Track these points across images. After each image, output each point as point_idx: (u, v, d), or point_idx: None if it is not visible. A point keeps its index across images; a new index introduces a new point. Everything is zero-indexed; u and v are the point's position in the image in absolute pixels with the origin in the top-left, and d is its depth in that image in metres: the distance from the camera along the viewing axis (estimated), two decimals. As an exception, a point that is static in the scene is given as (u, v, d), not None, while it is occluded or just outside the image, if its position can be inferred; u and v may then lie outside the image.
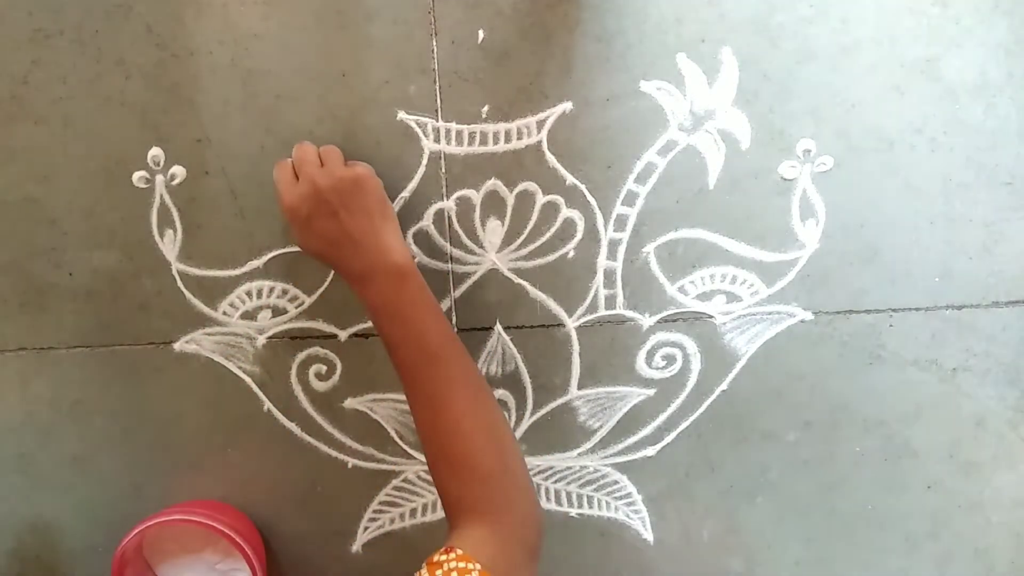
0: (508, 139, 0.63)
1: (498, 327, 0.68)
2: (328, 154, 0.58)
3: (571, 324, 0.68)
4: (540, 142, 0.63)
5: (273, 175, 0.58)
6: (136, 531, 0.65)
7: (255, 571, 0.66)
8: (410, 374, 0.54)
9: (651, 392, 0.69)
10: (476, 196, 0.65)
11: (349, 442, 0.71)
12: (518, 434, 0.70)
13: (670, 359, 0.68)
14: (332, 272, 0.67)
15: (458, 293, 0.67)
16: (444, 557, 0.46)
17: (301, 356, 0.69)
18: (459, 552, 0.46)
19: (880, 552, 0.72)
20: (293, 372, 0.69)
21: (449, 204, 0.65)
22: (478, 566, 0.45)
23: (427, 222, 0.65)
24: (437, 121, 0.63)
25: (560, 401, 0.70)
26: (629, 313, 0.67)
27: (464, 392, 0.54)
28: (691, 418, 0.70)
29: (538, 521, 0.53)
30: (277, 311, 0.68)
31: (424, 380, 0.54)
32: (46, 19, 0.62)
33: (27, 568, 0.74)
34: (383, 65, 0.62)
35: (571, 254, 0.66)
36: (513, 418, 0.70)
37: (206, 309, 0.68)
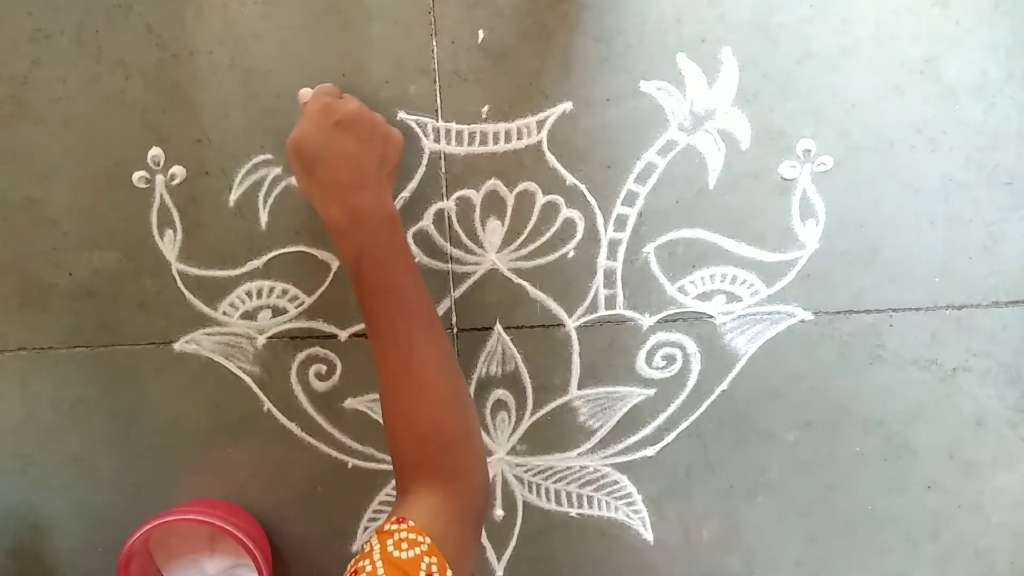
0: (508, 139, 0.63)
1: (498, 327, 0.68)
2: None
3: (571, 324, 0.68)
4: (540, 142, 0.63)
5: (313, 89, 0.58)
6: (146, 528, 0.65)
7: (262, 574, 0.66)
8: (386, 326, 0.53)
9: (651, 392, 0.69)
10: (476, 196, 0.65)
11: (349, 442, 0.71)
12: (518, 434, 0.71)
13: (670, 359, 0.68)
14: (332, 272, 0.67)
15: (458, 293, 0.67)
16: (395, 527, 0.46)
17: (301, 356, 0.69)
18: (411, 524, 0.46)
19: (880, 552, 0.72)
20: (293, 372, 0.69)
21: (449, 204, 0.65)
22: (428, 540, 0.45)
23: (427, 222, 0.65)
24: (437, 121, 0.63)
25: (560, 401, 0.70)
26: (629, 313, 0.67)
27: (438, 354, 0.53)
28: (691, 418, 0.70)
29: (488, 488, 0.53)
30: (277, 311, 0.68)
31: (400, 335, 0.52)
32: (46, 19, 0.62)
33: (27, 568, 0.74)
34: (383, 65, 0.62)
35: (571, 254, 0.66)
36: (513, 418, 0.70)
37: (206, 309, 0.68)
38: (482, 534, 0.52)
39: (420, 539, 0.45)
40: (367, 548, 0.45)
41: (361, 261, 0.53)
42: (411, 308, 0.53)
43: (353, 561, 0.44)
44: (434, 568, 0.44)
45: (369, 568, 0.43)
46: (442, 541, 0.46)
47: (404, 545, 0.44)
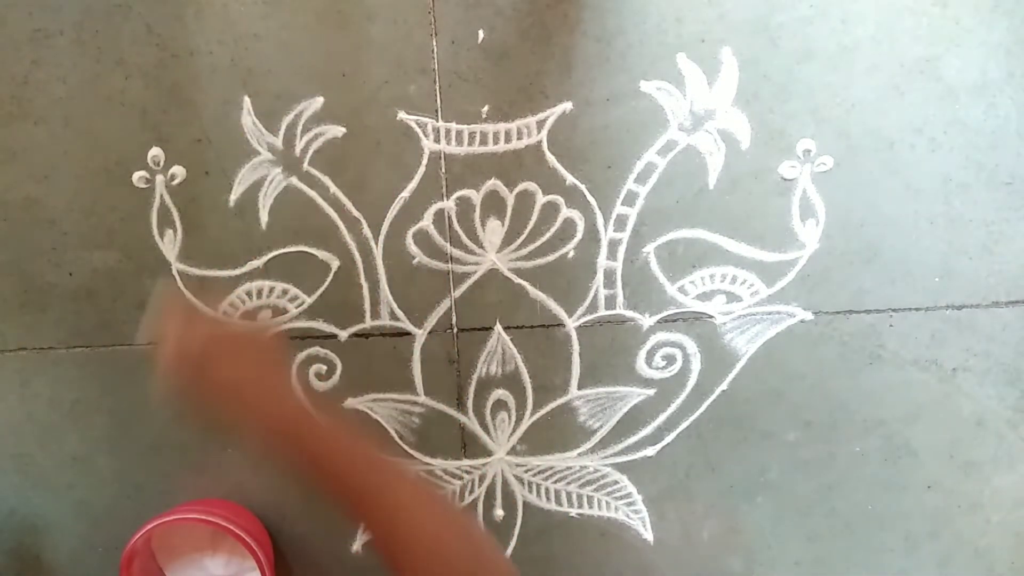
0: (508, 139, 0.63)
1: (498, 327, 0.68)
2: None
3: (571, 324, 0.68)
4: (540, 142, 0.63)
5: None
6: (148, 527, 0.65)
7: (265, 573, 0.66)
8: (359, 504, 0.46)
9: (651, 392, 0.69)
10: (476, 196, 0.65)
11: (349, 442, 0.70)
12: (518, 434, 0.71)
13: (670, 359, 0.68)
14: (332, 272, 0.67)
15: (458, 293, 0.67)
16: None
17: (301, 356, 0.69)
18: None
19: (880, 552, 0.72)
20: (293, 372, 0.69)
21: (449, 204, 0.65)
22: None
23: (427, 222, 0.65)
24: (437, 121, 0.63)
25: (560, 401, 0.70)
26: (629, 313, 0.67)
27: (429, 506, 0.46)
28: (691, 418, 0.70)
29: None
30: (277, 311, 0.68)
31: (374, 508, 0.46)
32: (46, 19, 0.62)
33: (27, 568, 0.74)
34: (383, 65, 0.62)
35: (571, 254, 0.66)
36: (513, 418, 0.70)
37: (206, 309, 0.68)
38: None
39: None
40: None
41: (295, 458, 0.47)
42: (367, 483, 0.47)
43: None
44: None
45: None
46: None
47: None
